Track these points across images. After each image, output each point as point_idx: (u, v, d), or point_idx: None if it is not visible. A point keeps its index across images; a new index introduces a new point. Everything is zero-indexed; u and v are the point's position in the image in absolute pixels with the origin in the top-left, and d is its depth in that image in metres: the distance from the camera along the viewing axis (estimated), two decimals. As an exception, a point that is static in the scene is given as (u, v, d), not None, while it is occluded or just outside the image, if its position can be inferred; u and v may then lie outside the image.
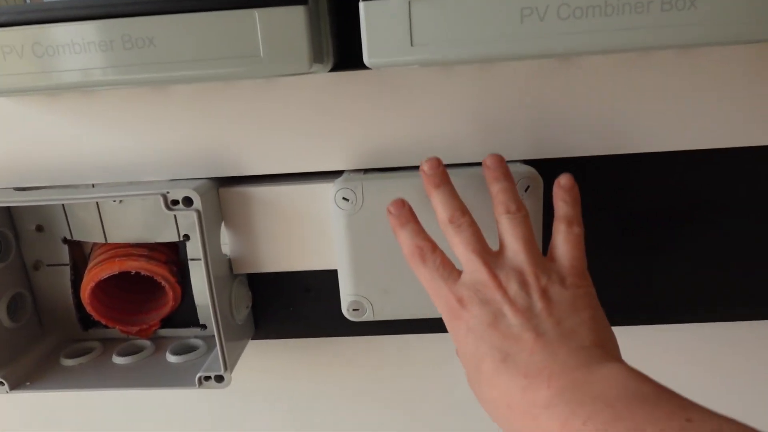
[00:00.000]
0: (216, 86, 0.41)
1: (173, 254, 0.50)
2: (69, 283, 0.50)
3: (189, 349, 0.49)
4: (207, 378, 0.44)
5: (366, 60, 0.32)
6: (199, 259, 0.48)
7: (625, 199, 0.44)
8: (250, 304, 0.49)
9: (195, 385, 0.43)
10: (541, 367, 0.27)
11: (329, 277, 0.46)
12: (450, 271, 0.33)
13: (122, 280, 0.49)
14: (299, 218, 0.44)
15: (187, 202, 0.40)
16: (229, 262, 0.46)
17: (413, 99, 0.40)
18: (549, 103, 0.40)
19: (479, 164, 0.41)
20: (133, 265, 0.47)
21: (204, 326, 0.51)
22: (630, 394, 0.25)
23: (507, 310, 0.30)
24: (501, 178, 0.35)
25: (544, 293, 0.30)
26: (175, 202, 0.40)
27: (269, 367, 0.53)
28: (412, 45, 0.31)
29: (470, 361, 0.30)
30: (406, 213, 0.36)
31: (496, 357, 0.29)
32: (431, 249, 0.34)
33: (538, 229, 0.39)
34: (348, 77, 0.40)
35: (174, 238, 0.47)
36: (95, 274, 0.47)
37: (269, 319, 0.51)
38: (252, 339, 0.51)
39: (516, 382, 0.28)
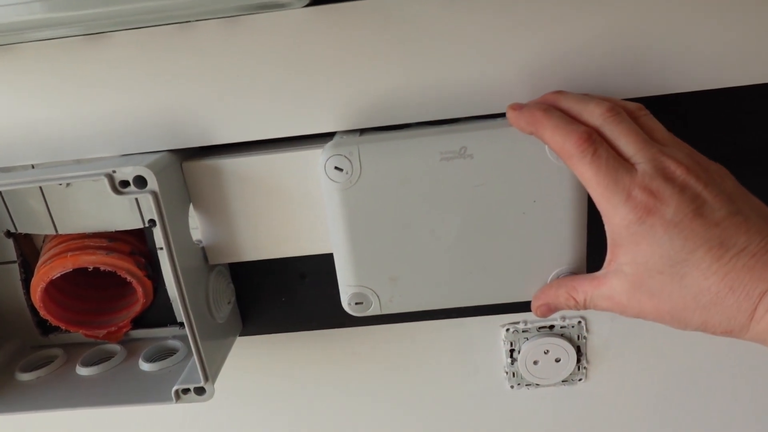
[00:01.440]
0: (167, 32, 0.32)
1: (140, 243, 0.42)
2: (20, 283, 0.42)
3: (166, 352, 0.42)
4: (185, 390, 0.37)
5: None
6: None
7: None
8: (233, 299, 0.41)
9: (172, 399, 0.36)
10: (764, 245, 0.26)
11: (328, 260, 0.38)
12: (623, 160, 0.28)
13: (83, 276, 0.42)
14: (285, 195, 0.36)
15: (140, 182, 0.31)
16: (203, 251, 0.38)
17: (416, 36, 0.31)
18: (589, 31, 0.32)
19: (501, 116, 0.33)
20: (90, 260, 0.39)
21: (182, 324, 0.44)
22: None
23: (706, 195, 0.27)
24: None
25: (722, 177, 0.28)
26: (125, 184, 0.32)
27: (261, 365, 0.46)
28: (416, -48, 0.23)
29: (669, 257, 0.27)
30: (545, 99, 0.30)
31: (713, 244, 0.26)
32: (599, 136, 0.28)
33: (583, 190, 0.32)
34: (331, 11, 0.31)
35: (137, 225, 0.40)
36: (45, 272, 0.39)
37: (258, 312, 0.43)
38: (240, 336, 0.44)
39: (740, 264, 0.26)
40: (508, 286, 0.34)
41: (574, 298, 0.31)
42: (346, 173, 0.31)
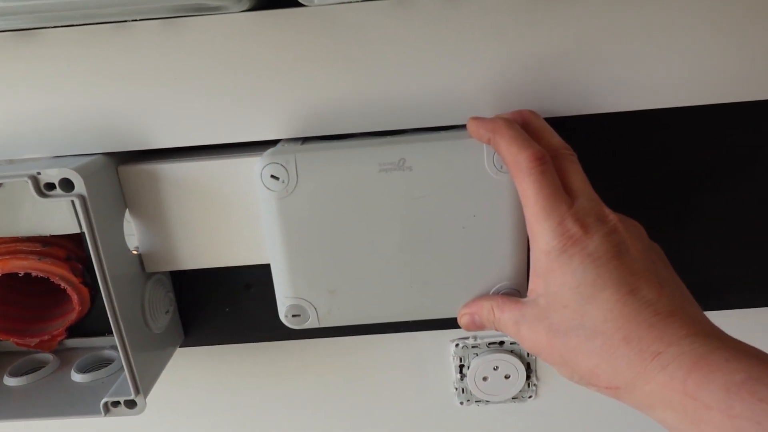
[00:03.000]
0: (103, 30, 0.31)
1: (77, 248, 0.41)
2: (-53, 288, 0.40)
3: (101, 363, 0.40)
4: (115, 403, 0.35)
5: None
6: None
7: (624, 163, 0.36)
8: (172, 308, 0.40)
9: (100, 412, 0.35)
10: (671, 311, 0.26)
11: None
12: (565, 192, 0.28)
13: (16, 281, 0.40)
14: (225, 202, 0.35)
15: (67, 185, 0.30)
16: (140, 259, 0.37)
17: (360, 44, 0.31)
18: (530, 49, 0.31)
19: (445, 128, 0.33)
20: (20, 266, 0.37)
21: (121, 334, 0.42)
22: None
23: (630, 245, 0.27)
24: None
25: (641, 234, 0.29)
26: (51, 186, 0.30)
27: (203, 377, 0.45)
28: (345, -42, 0.22)
29: (578, 290, 0.27)
30: (514, 115, 0.31)
31: (622, 289, 0.26)
32: (549, 159, 0.28)
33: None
34: (273, 17, 0.30)
35: (74, 229, 0.38)
36: (-28, 277, 0.37)
37: (201, 323, 0.42)
38: (181, 347, 0.42)
39: (643, 317, 0.25)
40: (449, 301, 0.33)
41: (494, 315, 0.30)
42: (283, 182, 0.30)
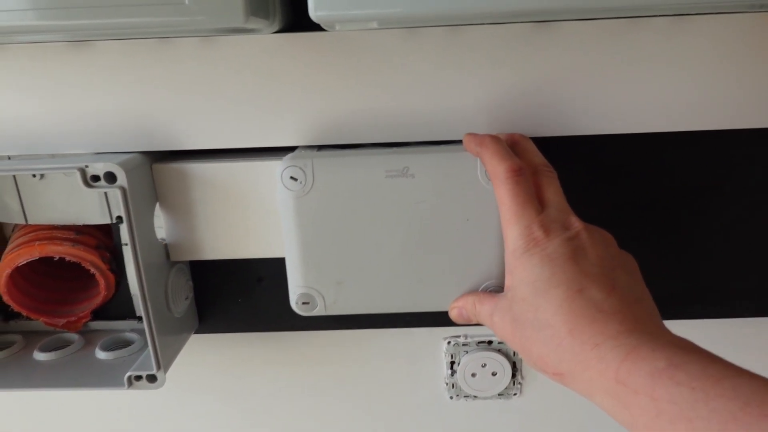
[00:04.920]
0: (147, 44, 0.36)
1: (106, 238, 0.44)
2: (-15, 270, 0.44)
3: (123, 344, 0.44)
4: (138, 377, 0.39)
5: (312, 13, 0.27)
6: (134, 245, 0.43)
7: (604, 183, 0.40)
8: (191, 295, 0.44)
9: (124, 385, 0.39)
10: (617, 310, 0.28)
11: (284, 265, 0.41)
12: (537, 201, 0.32)
13: (49, 265, 0.44)
14: (246, 200, 0.39)
15: (110, 178, 0.34)
16: (166, 248, 0.41)
17: (373, 66, 0.35)
18: (523, 75, 0.36)
19: (443, 143, 0.37)
20: (56, 250, 0.41)
21: (141, 318, 0.46)
22: (705, 353, 0.26)
23: (589, 252, 0.30)
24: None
25: (608, 243, 0.32)
26: (96, 178, 0.34)
27: (214, 363, 0.48)
28: (366, -4, 0.26)
29: (534, 285, 0.30)
30: (507, 136, 0.35)
31: (572, 287, 0.29)
32: (526, 171, 0.32)
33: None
34: (299, 39, 0.35)
35: (105, 220, 0.42)
36: (11, 259, 0.41)
37: (215, 312, 0.46)
38: (195, 333, 0.46)
39: (587, 313, 0.28)
40: (442, 296, 0.37)
41: (475, 308, 0.34)
42: (300, 183, 0.34)
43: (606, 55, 0.35)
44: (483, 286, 0.37)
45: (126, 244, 0.43)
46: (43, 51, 0.36)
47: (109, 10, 0.27)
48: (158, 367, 0.38)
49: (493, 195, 0.34)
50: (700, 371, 0.24)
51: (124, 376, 0.39)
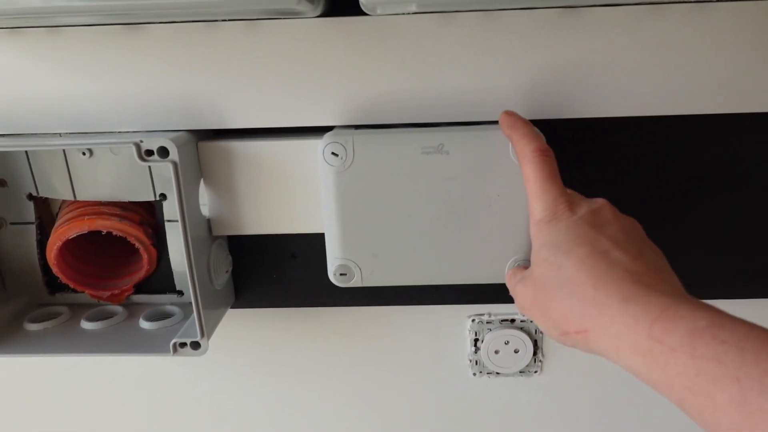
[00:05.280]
0: (196, 28, 0.38)
1: (149, 215, 0.47)
2: (35, 244, 0.47)
3: (164, 316, 0.46)
4: (182, 344, 0.41)
5: (362, 1, 0.29)
6: (177, 221, 0.45)
7: (629, 165, 0.42)
8: (230, 269, 0.46)
9: (169, 351, 0.41)
10: (643, 273, 0.28)
11: (317, 242, 0.44)
12: (560, 179, 0.33)
13: (93, 241, 0.46)
14: (285, 177, 0.41)
15: (163, 152, 0.36)
16: (208, 223, 0.43)
17: (410, 49, 0.37)
18: (553, 59, 0.38)
19: (476, 123, 0.39)
20: (104, 225, 0.44)
21: (181, 293, 0.48)
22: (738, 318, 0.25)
23: (614, 224, 0.31)
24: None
25: (634, 225, 0.32)
26: (150, 153, 0.36)
27: (249, 336, 0.51)
28: (412, -21, 0.28)
29: (557, 246, 0.30)
30: (521, 118, 0.36)
31: (597, 248, 0.29)
32: (551, 153, 0.33)
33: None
34: (339, 24, 0.37)
35: (149, 197, 0.44)
36: (62, 233, 0.44)
37: (251, 287, 0.48)
38: (231, 307, 0.48)
39: (612, 271, 0.27)
40: (472, 269, 0.39)
41: (509, 281, 0.36)
42: (341, 158, 0.36)
43: (629, 39, 0.37)
44: (511, 260, 0.38)
45: (169, 221, 0.46)
46: (97, 34, 0.38)
47: (173, -9, 0.29)
48: (202, 335, 0.40)
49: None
50: (746, 332, 0.23)
51: (169, 343, 0.41)
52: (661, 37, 0.37)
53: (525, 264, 0.39)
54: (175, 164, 0.36)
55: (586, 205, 0.32)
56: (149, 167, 0.43)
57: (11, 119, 0.40)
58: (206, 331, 0.41)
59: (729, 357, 0.22)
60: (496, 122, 0.36)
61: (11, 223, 0.46)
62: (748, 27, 0.37)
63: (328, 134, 0.37)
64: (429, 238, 0.38)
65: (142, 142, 0.36)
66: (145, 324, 0.45)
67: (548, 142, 0.34)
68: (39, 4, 0.29)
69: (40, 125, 0.41)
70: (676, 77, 0.38)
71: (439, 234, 0.38)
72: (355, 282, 0.39)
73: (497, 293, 0.46)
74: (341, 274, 0.39)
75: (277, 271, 0.47)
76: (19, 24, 0.37)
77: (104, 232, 0.44)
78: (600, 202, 0.32)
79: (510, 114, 0.35)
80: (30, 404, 0.54)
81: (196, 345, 0.41)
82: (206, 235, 0.43)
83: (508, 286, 0.36)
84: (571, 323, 0.28)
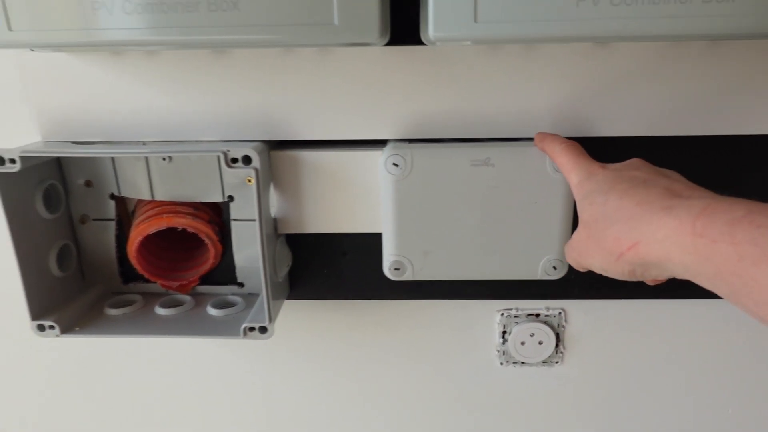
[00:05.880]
0: (275, 53, 0.43)
1: (215, 215, 0.52)
2: (113, 238, 0.52)
3: (227, 305, 0.52)
4: (251, 329, 0.46)
5: (431, 34, 0.35)
6: (242, 220, 0.51)
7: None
8: (290, 263, 0.52)
9: (240, 335, 0.46)
10: (682, 189, 0.30)
11: (366, 242, 0.49)
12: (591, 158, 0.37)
13: (163, 237, 0.52)
14: (344, 183, 0.47)
15: (246, 160, 0.42)
16: (275, 222, 0.49)
17: (461, 75, 0.43)
18: (585, 85, 0.43)
19: (517, 140, 0.45)
20: (181, 222, 0.49)
21: (241, 284, 0.54)
22: None
23: (646, 167, 0.34)
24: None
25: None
26: (235, 160, 0.42)
27: (300, 325, 0.56)
28: (475, 21, 0.34)
29: (600, 187, 0.32)
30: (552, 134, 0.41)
31: (636, 181, 0.31)
32: (579, 146, 0.38)
33: (570, 198, 0.43)
34: (401, 52, 0.43)
35: (218, 198, 0.50)
36: (143, 228, 0.49)
37: (304, 280, 0.53)
38: (286, 299, 0.54)
39: (654, 191, 0.29)
40: (509, 267, 0.44)
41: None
42: (401, 168, 0.42)
43: (648, 69, 0.43)
44: (544, 259, 0.44)
45: (235, 220, 0.51)
46: (188, 57, 0.44)
47: (274, 28, 0.35)
48: (270, 320, 0.46)
49: (557, 182, 0.42)
50: None
51: (236, 329, 0.46)
52: (676, 68, 0.43)
53: (555, 263, 0.44)
54: (256, 170, 0.42)
55: (618, 164, 0.35)
56: (220, 172, 0.49)
57: (107, 128, 0.46)
58: (273, 316, 0.46)
59: (765, 239, 0.23)
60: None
61: (94, 219, 0.52)
62: (753, 62, 0.42)
63: (389, 147, 0.43)
64: (473, 238, 0.44)
65: (228, 151, 0.42)
66: (212, 311, 0.50)
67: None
68: (140, 37, 0.35)
69: (130, 134, 0.47)
70: (689, 103, 0.44)
71: (481, 235, 0.44)
72: (407, 276, 0.45)
73: (524, 290, 0.52)
74: (395, 269, 0.45)
75: (329, 267, 0.53)
76: (122, 50, 0.43)
77: (179, 228, 0.49)
78: (633, 159, 0.35)
79: (541, 133, 0.41)
80: (104, 382, 0.59)
81: (263, 329, 0.46)
82: (273, 233, 0.48)
83: (565, 252, 0.37)
84: (623, 242, 0.29)
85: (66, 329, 0.47)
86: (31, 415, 0.61)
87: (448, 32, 0.35)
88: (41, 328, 0.46)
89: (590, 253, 0.33)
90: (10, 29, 0.35)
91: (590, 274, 0.49)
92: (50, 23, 0.35)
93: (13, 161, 0.42)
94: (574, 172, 0.36)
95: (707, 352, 0.56)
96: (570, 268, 0.45)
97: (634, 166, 0.34)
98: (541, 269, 0.44)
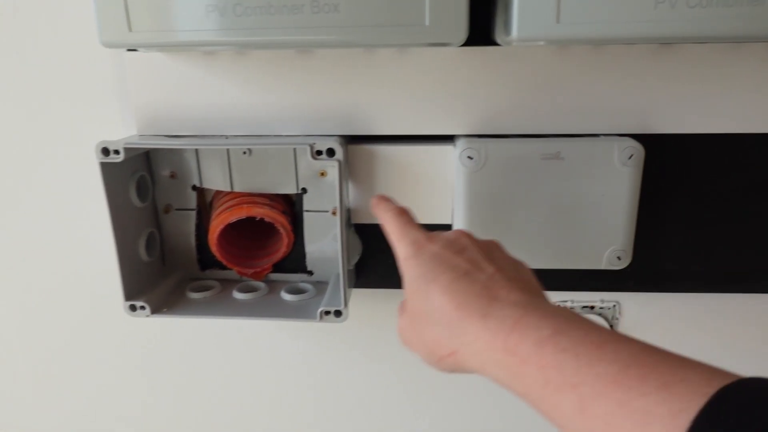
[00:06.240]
0: (355, 52, 0.46)
1: (287, 206, 0.55)
2: (194, 227, 0.56)
3: (299, 291, 0.55)
4: (327, 312, 0.49)
5: (514, 34, 0.38)
6: (313, 211, 0.54)
7: (709, 174, 0.50)
8: (361, 252, 0.55)
9: (316, 318, 0.49)
10: (502, 285, 0.29)
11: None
12: (419, 226, 0.37)
13: (238, 227, 0.55)
14: (416, 176, 0.49)
15: (330, 152, 0.45)
16: (348, 212, 0.52)
17: (532, 73, 0.46)
18: (649, 83, 0.46)
19: (587, 135, 0.47)
20: (259, 212, 0.52)
21: (311, 272, 0.57)
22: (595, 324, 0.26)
23: (474, 246, 0.33)
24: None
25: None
26: (320, 153, 0.45)
27: (365, 314, 0.59)
28: (558, 22, 0.37)
29: (424, 277, 0.31)
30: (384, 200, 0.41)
31: (458, 271, 0.30)
32: (407, 212, 0.38)
33: (636, 190, 0.45)
34: (476, 52, 0.45)
35: (292, 191, 0.53)
36: (225, 217, 0.52)
37: (370, 269, 0.56)
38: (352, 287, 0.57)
39: (473, 289, 0.29)
40: (575, 256, 0.47)
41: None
42: (475, 161, 0.45)
43: (711, 70, 0.45)
44: (609, 249, 0.46)
45: (307, 211, 0.54)
46: (275, 56, 0.47)
47: (371, 30, 0.38)
48: (345, 305, 0.49)
49: (626, 176, 0.44)
50: (582, 336, 0.24)
51: (314, 311, 0.49)
52: (740, 68, 0.45)
53: (619, 254, 0.46)
54: (339, 162, 0.45)
55: (444, 237, 0.34)
56: (295, 165, 0.52)
57: (197, 122, 0.50)
58: (347, 301, 0.49)
59: (568, 365, 0.24)
60: (604, 134, 0.44)
61: (176, 209, 0.55)
62: (815, 61, 0.44)
63: (463, 140, 0.45)
64: (539, 228, 0.46)
65: (314, 144, 0.45)
66: (286, 296, 0.53)
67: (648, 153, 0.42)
68: (248, 38, 0.38)
69: (217, 128, 0.50)
70: (752, 101, 0.46)
71: (548, 226, 0.46)
72: (477, 264, 0.47)
73: (577, 282, 0.54)
74: (466, 257, 0.47)
75: (394, 258, 0.55)
76: (215, 50, 0.46)
77: (258, 218, 0.53)
78: (456, 232, 0.35)
79: (376, 197, 0.41)
80: (182, 359, 0.63)
81: (338, 313, 0.49)
82: (348, 223, 0.51)
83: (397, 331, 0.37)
84: (442, 347, 0.29)
85: (155, 310, 0.51)
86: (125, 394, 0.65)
87: (531, 33, 0.37)
88: (133, 308, 0.50)
89: (415, 345, 0.33)
90: (130, 30, 0.39)
91: (648, 266, 0.51)
92: (166, 25, 0.39)
93: (117, 152, 0.45)
94: (401, 244, 0.35)
95: None
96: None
97: (459, 245, 0.33)
98: (606, 259, 0.46)
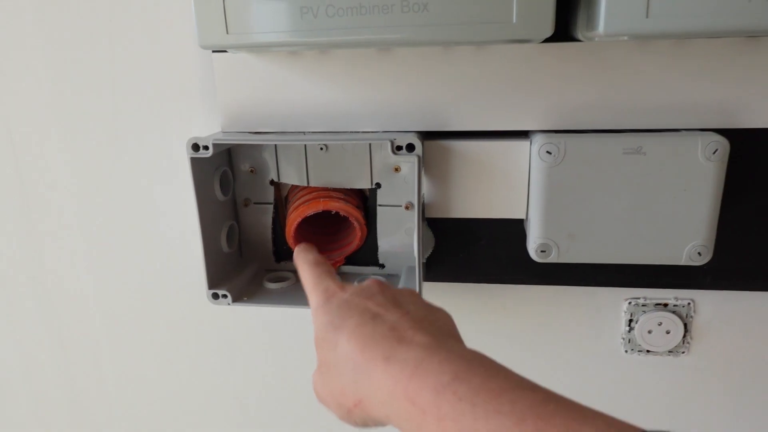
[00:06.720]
0: (434, 50, 0.48)
1: (361, 200, 0.57)
2: (270, 220, 0.58)
3: (371, 283, 0.56)
4: (402, 304, 0.50)
5: (601, 30, 0.38)
6: (386, 206, 0.56)
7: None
8: (434, 246, 0.56)
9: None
10: (409, 327, 0.28)
11: (501, 228, 0.52)
12: (335, 278, 0.37)
13: (313, 221, 0.57)
14: (490, 171, 0.50)
15: (410, 147, 0.46)
16: (423, 206, 0.53)
17: (613, 69, 0.46)
18: (734, 77, 0.45)
19: (669, 130, 0.47)
20: (335, 206, 0.54)
21: (382, 266, 0.58)
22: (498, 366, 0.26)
23: (384, 293, 0.33)
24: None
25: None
26: (399, 148, 0.46)
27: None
28: (647, 17, 0.37)
29: (332, 323, 0.31)
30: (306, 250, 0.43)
31: (365, 315, 0.30)
32: (324, 262, 0.39)
33: (720, 186, 0.44)
34: (556, 48, 0.46)
35: (367, 185, 0.55)
36: (302, 211, 0.54)
37: (439, 263, 0.57)
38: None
39: (379, 331, 0.28)
40: (654, 251, 0.46)
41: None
42: (554, 156, 0.45)
43: None
44: (690, 245, 0.46)
45: (381, 205, 0.56)
46: (356, 56, 0.49)
47: (460, 28, 0.39)
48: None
49: (709, 171, 0.44)
50: (480, 385, 0.23)
51: (388, 303, 0.51)
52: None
53: (700, 249, 0.46)
54: (419, 158, 0.46)
55: (357, 285, 0.34)
56: (370, 161, 0.54)
57: (280, 119, 0.52)
58: (420, 291, 0.50)
59: (464, 416, 0.23)
60: (686, 129, 0.44)
61: (254, 203, 0.58)
62: None
63: (542, 136, 0.46)
64: (619, 223, 0.46)
65: (395, 139, 0.46)
66: (360, 288, 0.55)
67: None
68: (339, 38, 0.40)
69: (292, 124, 0.53)
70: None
71: (628, 220, 0.46)
72: (552, 258, 0.48)
73: (652, 278, 0.53)
74: (542, 251, 0.48)
75: (464, 252, 0.56)
76: (300, 50, 0.48)
77: (333, 212, 0.54)
78: (370, 280, 0.35)
79: (300, 246, 0.44)
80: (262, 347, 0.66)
81: (414, 304, 0.50)
82: (422, 217, 0.52)
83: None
84: (348, 397, 0.28)
85: (236, 298, 0.53)
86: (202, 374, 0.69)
87: (618, 28, 0.37)
88: (215, 296, 0.53)
89: (325, 398, 0.31)
90: (227, 33, 0.41)
91: (727, 264, 0.50)
92: (261, 27, 0.41)
93: (206, 148, 0.48)
94: (314, 294, 0.35)
95: None
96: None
97: (370, 291, 0.33)
98: (686, 255, 0.46)
